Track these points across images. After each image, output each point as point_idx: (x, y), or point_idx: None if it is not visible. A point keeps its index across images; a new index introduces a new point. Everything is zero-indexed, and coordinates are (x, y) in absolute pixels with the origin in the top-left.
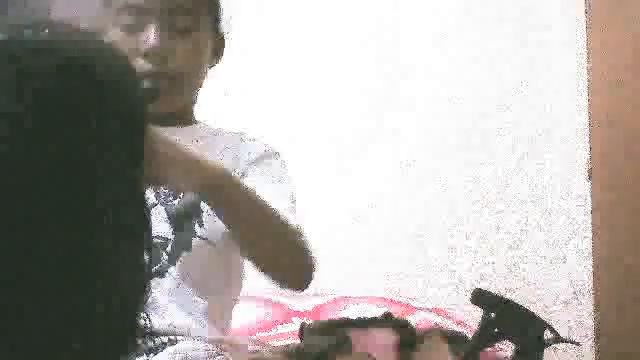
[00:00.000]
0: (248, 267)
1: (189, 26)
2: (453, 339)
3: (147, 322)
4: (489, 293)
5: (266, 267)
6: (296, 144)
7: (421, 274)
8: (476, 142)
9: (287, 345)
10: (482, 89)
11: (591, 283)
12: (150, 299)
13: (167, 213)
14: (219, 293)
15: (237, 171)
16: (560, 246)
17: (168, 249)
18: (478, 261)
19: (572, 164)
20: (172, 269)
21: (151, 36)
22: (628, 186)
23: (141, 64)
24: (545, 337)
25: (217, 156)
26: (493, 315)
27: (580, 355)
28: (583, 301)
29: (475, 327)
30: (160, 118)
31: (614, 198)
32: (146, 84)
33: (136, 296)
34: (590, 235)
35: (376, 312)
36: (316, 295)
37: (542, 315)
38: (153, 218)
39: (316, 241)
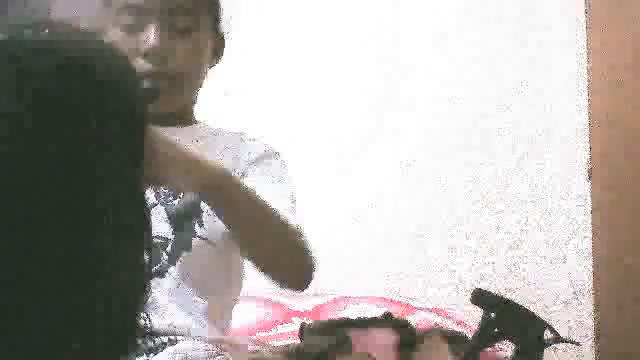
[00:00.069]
0: (248, 267)
1: (189, 26)
2: (453, 339)
3: (147, 322)
4: (489, 293)
5: (266, 267)
6: (296, 144)
7: (421, 274)
8: (476, 142)
9: (287, 345)
10: (482, 89)
11: (591, 283)
12: (150, 299)
13: (167, 213)
14: (219, 293)
15: (237, 171)
16: (560, 246)
17: (168, 249)
18: (478, 261)
19: (572, 164)
20: (172, 269)
21: (151, 36)
22: (628, 186)
23: (141, 64)
24: (545, 337)
25: (217, 156)
26: (493, 315)
27: (580, 355)
28: (583, 301)
29: (475, 327)
30: (160, 118)
31: (614, 198)
32: (146, 84)
33: (136, 296)
34: (590, 235)
35: (376, 312)
36: (316, 295)
37: (542, 315)
38: (153, 218)
39: (316, 241)
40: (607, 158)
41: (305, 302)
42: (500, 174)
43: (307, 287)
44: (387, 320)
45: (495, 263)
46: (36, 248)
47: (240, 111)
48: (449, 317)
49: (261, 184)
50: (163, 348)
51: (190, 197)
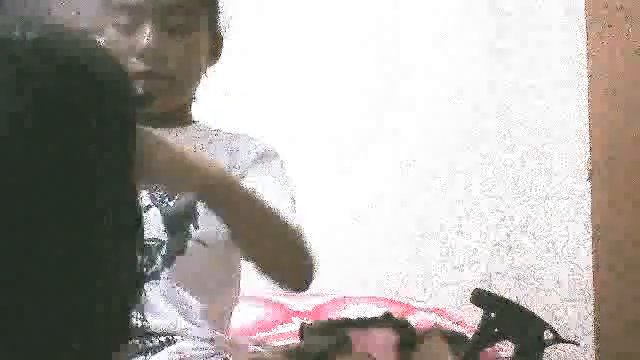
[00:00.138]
0: (248, 267)
1: (185, 25)
2: (453, 339)
3: (144, 322)
4: (489, 293)
5: (266, 267)
6: (296, 144)
7: (421, 274)
8: (476, 142)
9: (287, 345)
10: (482, 89)
11: (591, 283)
12: (146, 301)
13: (162, 215)
14: (216, 294)
15: (236, 171)
16: (560, 246)
17: (163, 251)
18: (478, 261)
19: (572, 164)
20: (167, 271)
21: (145, 36)
22: (628, 186)
23: (136, 64)
24: (545, 337)
25: (216, 156)
26: (493, 315)
27: (580, 355)
28: (583, 301)
29: (475, 327)
30: (157, 118)
31: (614, 198)
32: (140, 87)
33: (134, 296)
34: (590, 235)
35: (376, 312)
36: (316, 295)
37: (542, 315)
38: (148, 220)
39: (316, 241)
40: (607, 158)
41: (305, 302)
42: (500, 174)
43: (307, 287)
44: (387, 320)
45: (495, 263)
46: (36, 248)
47: (240, 111)
48: (449, 317)
49: (260, 184)
50: (162, 348)
51: (185, 199)
